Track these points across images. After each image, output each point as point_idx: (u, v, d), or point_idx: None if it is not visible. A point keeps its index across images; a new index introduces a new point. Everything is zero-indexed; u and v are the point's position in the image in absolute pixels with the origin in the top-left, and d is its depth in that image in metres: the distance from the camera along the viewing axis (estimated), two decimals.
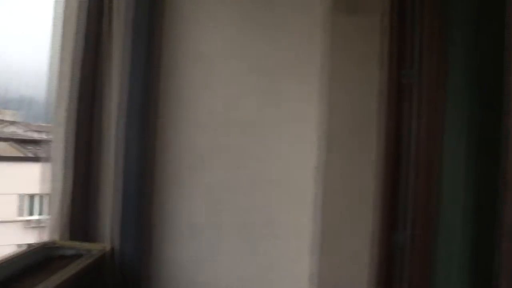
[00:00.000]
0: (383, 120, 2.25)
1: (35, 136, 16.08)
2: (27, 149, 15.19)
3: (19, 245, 7.25)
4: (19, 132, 17.24)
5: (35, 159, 12.02)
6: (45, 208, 2.33)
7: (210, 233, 2.41)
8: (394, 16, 2.24)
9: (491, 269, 2.07)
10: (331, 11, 2.27)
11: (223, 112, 2.41)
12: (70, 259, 2.11)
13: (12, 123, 18.18)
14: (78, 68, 2.35)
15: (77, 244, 2.26)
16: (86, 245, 2.26)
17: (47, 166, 2.29)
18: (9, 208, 13.66)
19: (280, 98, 2.38)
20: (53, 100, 2.31)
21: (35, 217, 13.83)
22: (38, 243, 2.19)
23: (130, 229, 2.33)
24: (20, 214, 14.21)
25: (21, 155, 14.77)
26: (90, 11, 2.38)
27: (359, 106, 2.26)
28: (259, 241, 2.40)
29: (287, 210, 2.38)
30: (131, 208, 2.34)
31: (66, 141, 2.33)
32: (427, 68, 2.15)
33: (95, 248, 2.25)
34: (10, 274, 1.85)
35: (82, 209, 2.35)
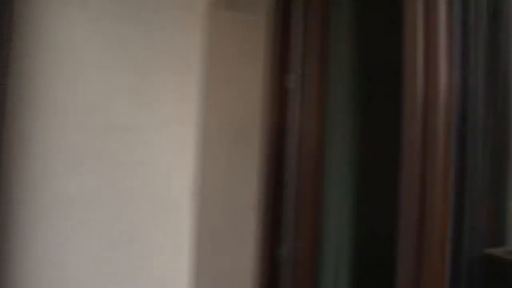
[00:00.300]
0: (266, 125, 2.12)
1: None
2: None
3: None
4: None
5: None
6: None
7: (68, 256, 2.05)
8: (279, 17, 2.14)
9: (378, 277, 2.03)
10: (212, 6, 2.09)
11: (88, 113, 2.07)
12: None
13: None
14: None
15: None
16: None
17: None
18: None
19: (155, 99, 2.12)
20: None
21: None
22: None
23: None
24: None
25: None
26: None
27: (241, 109, 2.10)
28: (129, 262, 2.09)
29: (161, 225, 2.12)
30: None
31: None
32: (310, 72, 2.07)
33: None
34: None
35: None
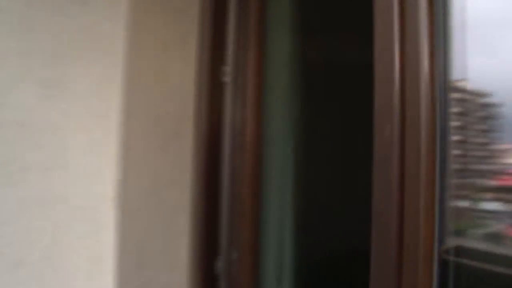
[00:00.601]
0: (200, 122, 1.89)
1: None
2: None
3: None
4: None
5: None
6: None
7: None
8: (213, 2, 1.92)
9: None
10: None
11: None
12: None
13: None
14: None
15: None
16: None
17: None
18: None
19: (69, 92, 1.81)
20: None
21: None
22: None
23: None
24: None
25: None
26: None
27: (171, 105, 1.85)
28: (38, 285, 1.78)
29: (77, 239, 1.82)
30: None
31: None
32: (247, 64, 1.88)
33: None
34: None
35: None
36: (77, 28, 1.83)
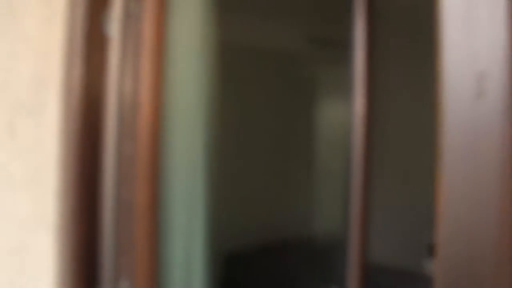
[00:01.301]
0: (70, 93, 1.36)
1: None
2: None
3: None
4: None
5: None
6: None
7: None
8: None
9: None
10: None
11: None
12: None
13: None
14: None
15: None
16: None
17: None
18: None
19: None
20: None
21: None
22: None
23: None
24: None
25: None
26: None
27: (24, 68, 1.30)
28: None
29: None
30: None
31: None
32: (143, 9, 1.41)
33: None
34: None
35: None
36: None
